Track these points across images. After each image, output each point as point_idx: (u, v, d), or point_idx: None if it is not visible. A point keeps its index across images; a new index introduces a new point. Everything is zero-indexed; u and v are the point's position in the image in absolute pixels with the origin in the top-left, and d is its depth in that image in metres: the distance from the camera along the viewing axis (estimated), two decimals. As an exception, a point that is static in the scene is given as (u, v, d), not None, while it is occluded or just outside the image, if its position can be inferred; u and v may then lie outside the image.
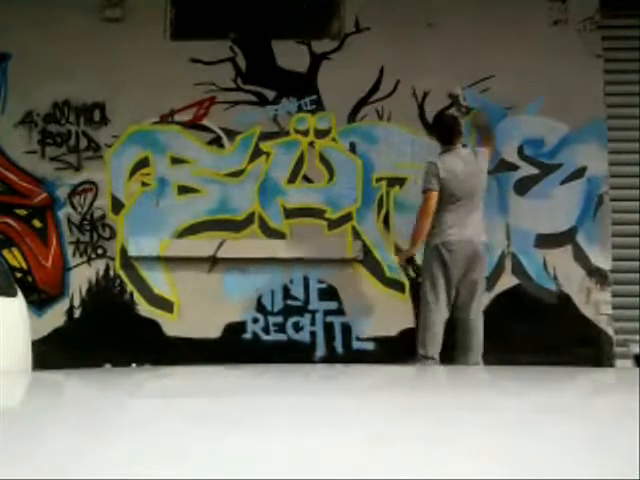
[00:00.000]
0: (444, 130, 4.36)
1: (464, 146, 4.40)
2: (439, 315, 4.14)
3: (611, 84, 4.88)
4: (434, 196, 4.16)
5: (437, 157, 4.29)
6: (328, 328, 4.90)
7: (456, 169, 4.18)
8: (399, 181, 4.91)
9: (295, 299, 4.93)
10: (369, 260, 4.89)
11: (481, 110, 4.67)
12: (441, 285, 4.13)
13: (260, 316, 4.92)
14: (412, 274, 4.35)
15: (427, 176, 4.20)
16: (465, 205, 4.16)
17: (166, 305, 4.97)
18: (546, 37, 4.89)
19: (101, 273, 5.03)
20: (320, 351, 4.89)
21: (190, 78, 4.98)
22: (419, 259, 4.41)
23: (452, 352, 4.15)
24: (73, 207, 5.05)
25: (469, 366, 3.87)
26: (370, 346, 4.84)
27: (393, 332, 4.82)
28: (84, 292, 5.02)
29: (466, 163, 4.25)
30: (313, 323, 4.91)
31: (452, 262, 4.11)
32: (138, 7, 5.03)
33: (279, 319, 4.92)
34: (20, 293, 2.90)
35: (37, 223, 5.07)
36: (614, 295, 4.83)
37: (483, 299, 4.31)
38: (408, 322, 4.82)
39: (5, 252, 5.01)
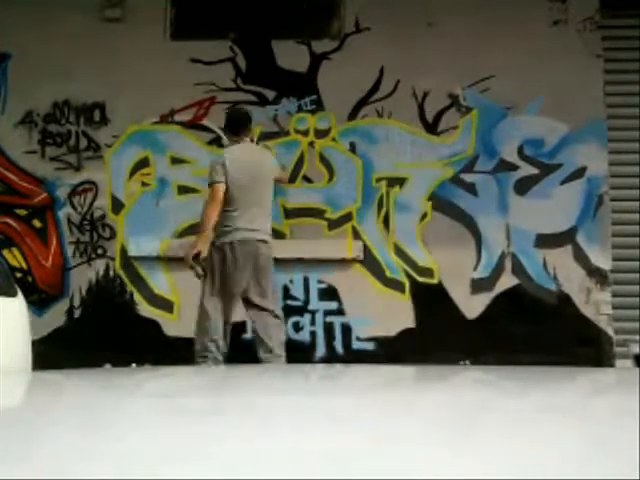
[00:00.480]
0: (233, 123, 4.28)
1: (252, 141, 4.38)
2: (218, 314, 4.05)
3: (611, 84, 4.88)
4: (220, 188, 4.04)
5: (225, 149, 4.30)
6: (328, 328, 4.90)
7: (242, 159, 4.11)
8: (399, 181, 4.91)
9: (295, 299, 4.93)
10: (369, 260, 4.89)
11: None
12: (221, 284, 4.05)
13: (260, 316, 4.91)
14: (201, 272, 4.19)
15: (214, 168, 4.11)
16: (248, 203, 4.06)
17: (166, 305, 4.97)
18: (546, 37, 4.89)
19: (101, 273, 5.03)
20: (320, 351, 4.89)
21: (190, 78, 4.98)
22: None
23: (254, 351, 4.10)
24: (73, 207, 5.05)
25: (469, 366, 3.86)
26: (370, 346, 4.84)
27: (393, 332, 4.82)
28: (84, 292, 5.02)
29: (251, 160, 4.17)
30: (313, 323, 4.91)
31: (236, 261, 4.02)
32: (138, 7, 5.04)
33: (279, 319, 4.91)
34: (20, 293, 2.90)
35: (37, 223, 5.07)
36: (614, 295, 4.83)
37: (273, 295, 4.21)
38: (408, 322, 4.83)
39: (5, 252, 5.01)
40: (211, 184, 4.08)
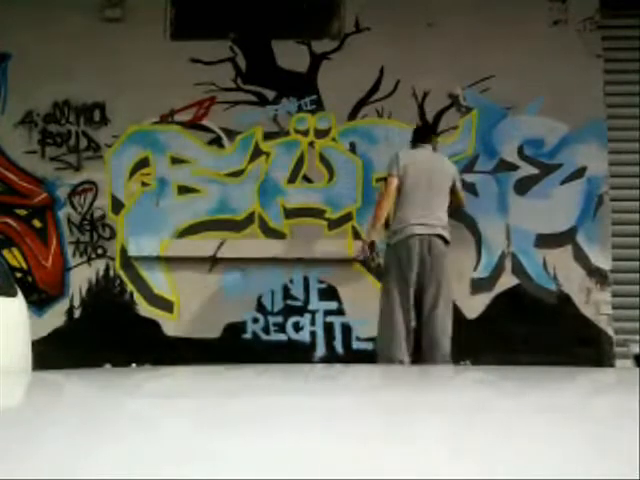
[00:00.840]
0: (422, 128, 4.49)
1: (434, 150, 4.39)
2: (400, 315, 4.02)
3: (611, 84, 4.88)
4: (394, 181, 4.13)
5: (405, 149, 4.36)
6: (328, 328, 4.90)
7: (419, 161, 4.18)
8: (399, 181, 4.90)
9: (295, 299, 4.93)
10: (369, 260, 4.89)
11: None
12: (401, 283, 4.02)
13: (260, 316, 4.92)
14: (375, 262, 4.22)
15: (390, 164, 4.21)
16: (427, 200, 4.10)
17: (166, 305, 4.97)
18: (546, 37, 4.89)
19: (101, 273, 5.03)
20: (320, 351, 4.89)
21: (190, 78, 4.98)
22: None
23: (420, 352, 4.04)
24: (73, 207, 5.06)
25: (469, 366, 3.86)
26: (370, 346, 4.84)
27: (393, 332, 4.81)
28: (84, 292, 5.02)
29: (431, 159, 4.25)
30: (313, 323, 4.91)
31: (411, 259, 4.01)
32: (138, 7, 5.04)
33: (279, 319, 4.92)
34: (20, 293, 2.90)
35: (37, 223, 5.07)
36: (614, 295, 4.83)
37: (447, 297, 4.13)
38: (408, 322, 4.82)
39: (5, 252, 5.01)
40: (385, 178, 4.22)
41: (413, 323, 4.06)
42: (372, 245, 4.25)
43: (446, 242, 4.11)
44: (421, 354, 4.02)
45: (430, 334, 4.01)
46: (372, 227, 4.22)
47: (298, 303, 4.93)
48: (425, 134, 4.42)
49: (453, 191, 4.28)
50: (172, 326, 4.94)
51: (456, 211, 4.41)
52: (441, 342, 3.99)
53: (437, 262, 4.04)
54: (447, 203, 4.20)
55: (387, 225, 4.28)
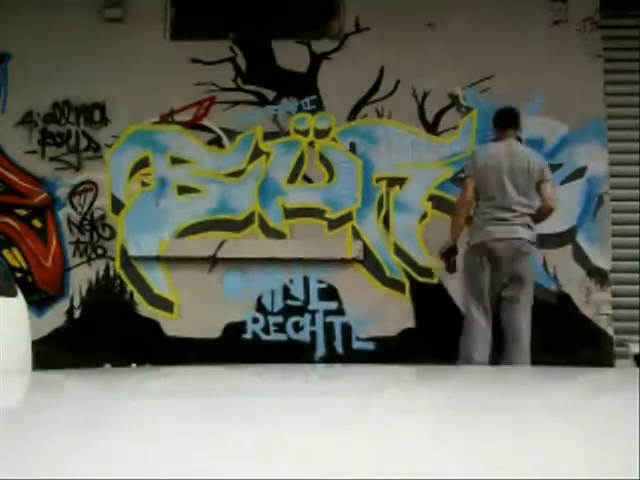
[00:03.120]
0: (501, 117, 4.24)
1: (519, 140, 4.29)
2: (482, 318, 4.00)
3: (611, 84, 4.88)
4: (469, 183, 4.04)
5: (482, 145, 4.29)
6: (328, 328, 4.90)
7: (499, 158, 4.02)
8: (399, 181, 4.91)
9: (295, 299, 4.93)
10: (369, 260, 4.89)
11: None
12: (482, 286, 3.99)
13: (260, 316, 4.92)
14: (451, 267, 4.17)
15: (466, 164, 4.17)
16: (506, 200, 3.98)
17: (166, 305, 4.97)
18: (546, 37, 4.89)
19: (101, 273, 5.03)
20: (320, 351, 4.89)
21: (190, 78, 4.98)
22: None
23: (500, 354, 4.04)
24: (73, 207, 5.06)
25: (469, 366, 3.86)
26: (370, 346, 4.84)
27: (393, 332, 4.82)
28: (84, 292, 5.02)
29: (512, 153, 4.06)
30: (313, 323, 4.91)
31: (495, 261, 3.96)
32: (138, 7, 5.04)
33: (279, 319, 4.92)
34: (20, 293, 2.89)
35: (37, 223, 5.07)
36: (614, 295, 4.83)
37: (529, 299, 4.11)
38: (408, 322, 4.83)
39: (5, 252, 5.01)
40: (463, 179, 4.14)
41: (489, 323, 4.03)
42: (453, 250, 4.17)
43: (531, 243, 4.04)
44: (503, 352, 4.02)
45: (512, 333, 4.00)
46: (452, 233, 4.14)
47: (298, 303, 4.93)
48: (507, 120, 4.19)
49: (540, 190, 4.07)
50: (172, 326, 4.94)
51: (545, 215, 4.15)
52: (523, 341, 3.99)
53: (518, 264, 3.98)
54: (533, 201, 4.06)
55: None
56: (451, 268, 4.22)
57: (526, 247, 4.02)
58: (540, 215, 4.12)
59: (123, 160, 5.04)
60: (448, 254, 4.19)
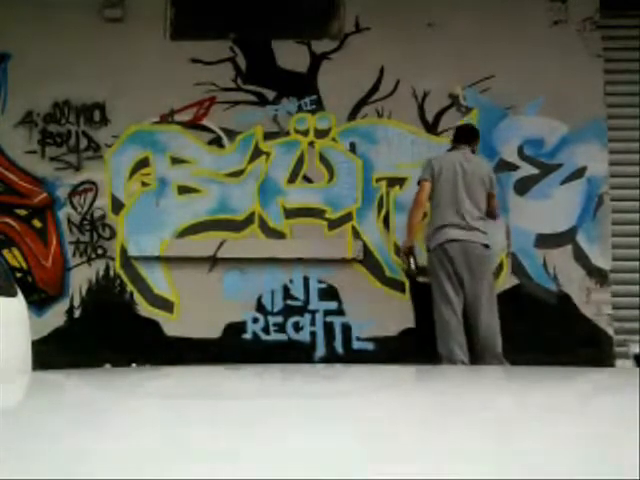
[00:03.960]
0: (460, 131, 4.42)
1: (473, 152, 4.39)
2: (455, 317, 4.07)
3: (611, 84, 4.88)
4: (424, 187, 4.18)
5: (440, 154, 4.38)
6: (328, 328, 4.90)
7: (454, 165, 4.18)
8: (399, 181, 4.91)
9: (295, 299, 4.93)
10: (369, 260, 4.89)
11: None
12: (446, 287, 4.08)
13: (260, 316, 4.92)
14: (413, 269, 4.26)
15: (423, 168, 4.27)
16: (460, 205, 4.13)
17: (166, 305, 4.97)
18: (546, 37, 4.89)
19: (101, 273, 5.03)
20: (320, 351, 4.89)
21: (190, 78, 4.98)
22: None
23: (472, 353, 4.09)
24: (73, 207, 5.05)
25: (469, 366, 3.86)
26: (370, 346, 4.84)
27: (393, 332, 4.82)
28: (84, 292, 5.02)
29: (467, 162, 4.23)
30: (313, 323, 4.91)
31: (451, 263, 4.08)
32: (138, 7, 5.04)
33: (279, 319, 4.92)
34: (20, 293, 2.89)
35: (37, 223, 5.07)
36: (614, 295, 4.83)
37: (494, 299, 4.18)
38: (408, 322, 4.83)
39: (5, 252, 5.01)
40: (418, 182, 4.25)
41: (460, 323, 4.10)
42: (410, 250, 4.25)
43: (485, 246, 4.15)
44: (474, 355, 4.08)
45: (478, 336, 4.07)
46: (408, 234, 4.27)
47: (298, 303, 4.93)
48: (464, 136, 4.37)
49: (488, 197, 4.28)
50: (172, 326, 4.94)
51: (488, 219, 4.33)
52: (489, 343, 4.05)
53: (476, 266, 4.08)
54: (484, 206, 4.22)
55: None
56: (410, 269, 4.29)
57: (479, 250, 4.12)
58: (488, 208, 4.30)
59: (123, 160, 5.04)
60: (407, 255, 4.27)
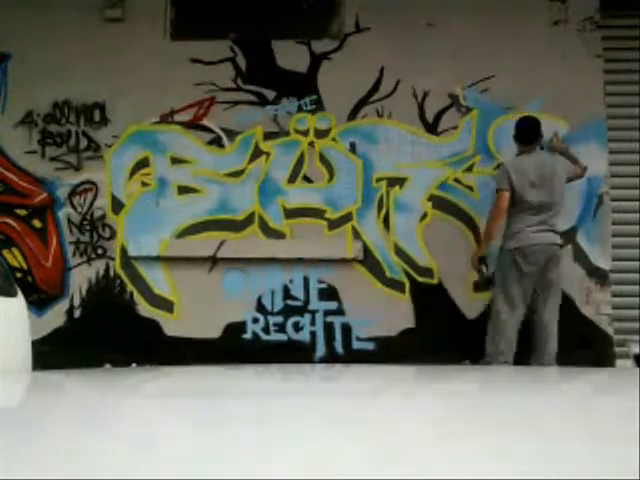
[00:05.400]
0: (523, 131, 4.42)
1: (541, 149, 4.45)
2: (510, 319, 4.14)
3: (611, 84, 4.88)
4: (504, 196, 4.22)
5: (512, 158, 4.42)
6: (328, 328, 4.90)
7: (529, 171, 4.22)
8: (399, 181, 4.91)
9: (295, 299, 4.93)
10: (369, 260, 4.89)
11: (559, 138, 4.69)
12: (514, 290, 4.14)
13: (260, 316, 4.92)
14: (486, 277, 4.31)
15: (499, 177, 4.32)
16: (539, 209, 4.18)
17: (166, 305, 4.97)
18: (546, 37, 4.89)
19: (101, 273, 5.03)
20: (320, 351, 4.89)
21: (190, 78, 4.98)
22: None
23: (528, 354, 4.16)
24: (73, 207, 5.05)
25: (468, 366, 3.87)
26: (370, 346, 4.84)
27: (393, 332, 4.82)
28: (84, 292, 5.02)
29: (540, 166, 4.27)
30: (313, 323, 4.91)
31: (526, 267, 4.12)
32: (138, 7, 5.04)
33: (279, 319, 4.92)
34: (20, 293, 2.89)
35: (37, 223, 5.07)
36: (614, 295, 4.83)
37: (558, 301, 4.26)
38: (408, 322, 4.83)
39: (5, 252, 5.01)
40: (497, 191, 4.30)
41: (517, 326, 4.18)
42: (483, 259, 4.33)
43: (560, 246, 4.24)
44: (531, 354, 4.16)
45: (542, 337, 4.15)
46: (484, 242, 4.34)
47: (298, 303, 4.93)
48: (528, 137, 4.38)
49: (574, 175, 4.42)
50: (172, 326, 4.94)
51: (577, 177, 4.51)
52: (551, 344, 4.14)
53: (553, 269, 4.17)
54: (562, 206, 4.29)
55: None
56: (482, 278, 4.37)
57: (559, 252, 4.23)
58: (571, 179, 4.43)
59: (123, 160, 5.04)
60: (480, 264, 4.34)
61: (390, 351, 4.72)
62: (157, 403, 0.95)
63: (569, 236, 4.83)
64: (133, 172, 5.03)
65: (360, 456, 0.60)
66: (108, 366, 3.88)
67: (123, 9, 5.05)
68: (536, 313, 4.19)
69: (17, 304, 2.84)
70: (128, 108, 4.98)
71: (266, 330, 4.92)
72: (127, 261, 5.00)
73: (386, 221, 4.91)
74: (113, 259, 5.02)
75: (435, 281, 4.86)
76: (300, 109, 5.00)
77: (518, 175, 4.21)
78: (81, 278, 5.01)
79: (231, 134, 5.00)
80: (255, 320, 4.92)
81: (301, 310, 4.92)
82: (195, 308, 4.90)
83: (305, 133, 4.99)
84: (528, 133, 4.39)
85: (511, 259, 4.17)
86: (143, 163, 5.03)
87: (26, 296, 2.99)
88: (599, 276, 4.81)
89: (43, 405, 0.91)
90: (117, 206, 5.03)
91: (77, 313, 5.02)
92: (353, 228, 4.91)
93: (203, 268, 4.94)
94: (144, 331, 4.92)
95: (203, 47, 5.00)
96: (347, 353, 4.84)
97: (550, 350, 4.12)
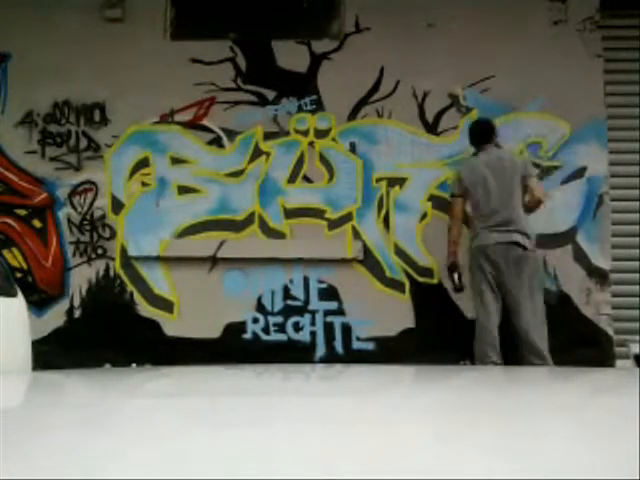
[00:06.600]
0: (475, 132, 4.42)
1: (497, 147, 4.42)
2: (488, 320, 4.09)
3: (611, 84, 4.88)
4: (457, 202, 4.26)
5: (467, 159, 4.42)
6: (328, 328, 4.90)
7: (482, 167, 4.20)
8: (399, 181, 4.91)
9: (295, 299, 4.93)
10: (369, 260, 4.89)
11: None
12: (483, 289, 4.11)
13: (260, 316, 4.92)
14: (458, 285, 4.27)
15: (452, 182, 4.34)
16: (498, 206, 4.14)
17: (166, 305, 4.97)
18: (546, 37, 4.89)
19: (101, 273, 5.03)
20: (320, 351, 4.89)
21: (190, 78, 4.98)
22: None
23: (515, 354, 4.10)
24: (73, 207, 5.05)
25: (468, 366, 3.87)
26: (370, 346, 4.84)
27: (393, 332, 4.82)
28: (84, 292, 5.02)
29: (495, 160, 4.22)
30: (313, 323, 4.91)
31: (487, 266, 4.10)
32: (138, 7, 5.04)
33: (279, 319, 4.92)
34: (20, 293, 2.89)
35: (37, 223, 5.07)
36: (614, 295, 4.83)
37: (539, 304, 4.17)
38: (408, 322, 4.83)
39: (5, 252, 5.01)
40: (450, 195, 4.36)
41: (495, 325, 4.12)
42: (454, 267, 4.29)
43: (524, 247, 4.11)
44: (518, 355, 4.08)
45: (521, 337, 4.07)
46: (448, 250, 4.33)
47: (298, 303, 4.93)
48: (482, 136, 4.37)
49: (526, 189, 4.20)
50: (172, 326, 4.94)
51: (533, 208, 4.25)
52: (535, 345, 4.03)
53: (515, 268, 4.08)
54: (520, 203, 4.18)
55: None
56: (455, 286, 4.32)
57: (524, 254, 4.12)
58: (528, 208, 4.24)
59: (123, 160, 5.04)
60: (451, 272, 4.30)
61: (390, 351, 4.72)
62: (157, 403, 0.95)
63: (569, 236, 4.83)
64: (133, 172, 5.03)
65: (360, 456, 0.60)
66: (108, 366, 3.88)
67: (123, 9, 5.05)
68: (513, 317, 4.10)
69: (17, 304, 2.84)
70: (128, 108, 4.98)
71: (266, 330, 4.92)
72: (127, 261, 5.00)
73: (386, 221, 4.91)
74: (113, 259, 5.02)
75: (435, 281, 4.86)
76: (300, 109, 5.00)
77: (473, 174, 4.21)
78: (81, 278, 5.01)
79: (231, 134, 5.00)
80: (255, 320, 4.92)
81: (301, 310, 4.92)
82: (195, 308, 4.90)
83: (305, 133, 4.99)
84: (480, 135, 4.37)
85: (476, 259, 4.16)
86: (143, 163, 5.03)
87: (26, 296, 2.99)
88: (599, 276, 4.81)
89: (43, 405, 0.91)
90: (117, 206, 5.03)
91: (77, 313, 5.02)
92: (353, 228, 4.91)
93: (203, 268, 4.94)
94: (144, 331, 4.92)
95: (203, 47, 5.00)
96: (347, 353, 4.84)
97: (537, 351, 4.01)
